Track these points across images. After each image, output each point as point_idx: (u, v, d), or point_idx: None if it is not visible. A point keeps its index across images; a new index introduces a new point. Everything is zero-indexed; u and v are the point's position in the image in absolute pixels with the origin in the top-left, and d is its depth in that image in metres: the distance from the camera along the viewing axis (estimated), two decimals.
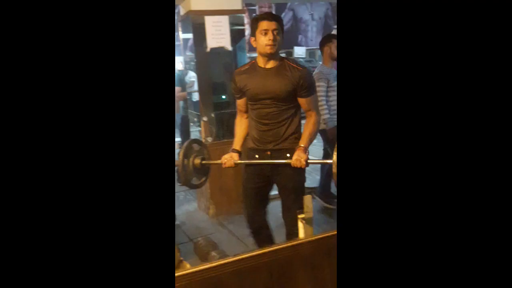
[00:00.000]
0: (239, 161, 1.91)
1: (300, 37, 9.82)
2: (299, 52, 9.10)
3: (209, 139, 3.04)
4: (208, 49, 2.98)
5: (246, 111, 1.95)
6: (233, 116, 3.21)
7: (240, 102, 1.94)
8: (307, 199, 1.45)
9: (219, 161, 1.91)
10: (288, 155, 1.84)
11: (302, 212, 1.49)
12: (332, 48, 2.98)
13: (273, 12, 9.58)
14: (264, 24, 1.74)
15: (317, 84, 2.93)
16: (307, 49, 9.46)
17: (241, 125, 1.98)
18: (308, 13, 9.91)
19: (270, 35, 1.73)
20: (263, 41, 1.74)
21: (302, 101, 1.86)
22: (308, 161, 1.79)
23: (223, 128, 3.11)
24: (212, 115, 3.05)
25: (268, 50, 1.75)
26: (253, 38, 1.80)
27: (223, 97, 3.15)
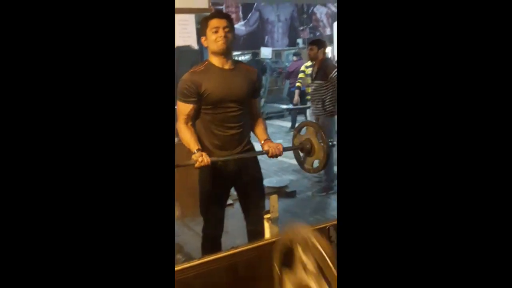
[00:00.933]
0: (216, 158, 1.71)
1: (266, 38, 9.87)
2: (266, 53, 9.11)
3: (176, 139, 2.99)
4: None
5: (192, 119, 1.77)
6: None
7: (193, 108, 1.72)
8: (273, 199, 1.46)
9: (190, 162, 1.71)
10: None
11: (268, 212, 1.49)
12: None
13: (240, 13, 9.61)
14: (214, 22, 1.69)
15: None
16: (273, 50, 9.51)
17: (189, 131, 1.75)
18: (274, 14, 9.96)
19: (220, 32, 1.68)
20: (213, 37, 1.69)
21: (254, 102, 1.85)
22: (284, 147, 1.80)
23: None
24: None
25: (220, 45, 1.68)
26: (204, 38, 1.75)
27: None
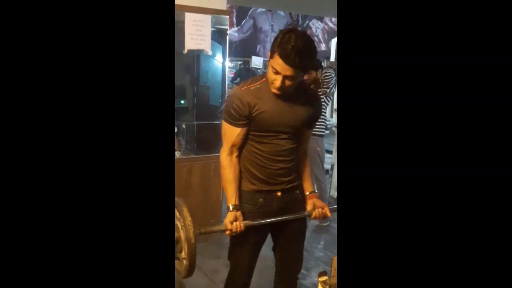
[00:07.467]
0: (251, 223, 1.38)
1: (258, 47, 9.62)
2: (257, 62, 8.86)
3: (178, 154, 2.64)
4: (186, 51, 2.61)
5: (239, 148, 1.45)
6: (207, 127, 2.84)
7: (242, 133, 1.41)
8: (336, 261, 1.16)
9: (221, 227, 1.38)
10: (297, 192, 1.54)
11: (323, 274, 1.19)
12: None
13: (234, 18, 9.32)
14: (277, 64, 1.31)
15: None
16: (264, 60, 9.27)
17: (233, 169, 1.43)
18: (268, 24, 9.75)
19: (278, 80, 1.32)
20: (271, 77, 1.36)
21: (306, 133, 1.53)
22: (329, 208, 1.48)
23: (195, 141, 2.74)
24: (184, 126, 2.67)
25: (273, 88, 1.38)
26: (269, 53, 1.37)
27: (182, 102, 2.84)
